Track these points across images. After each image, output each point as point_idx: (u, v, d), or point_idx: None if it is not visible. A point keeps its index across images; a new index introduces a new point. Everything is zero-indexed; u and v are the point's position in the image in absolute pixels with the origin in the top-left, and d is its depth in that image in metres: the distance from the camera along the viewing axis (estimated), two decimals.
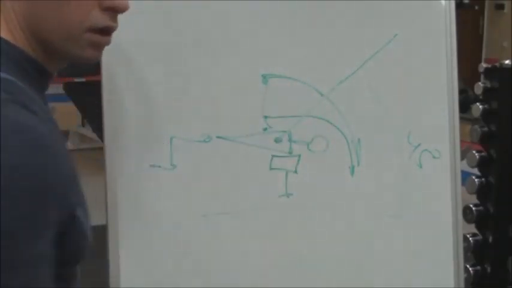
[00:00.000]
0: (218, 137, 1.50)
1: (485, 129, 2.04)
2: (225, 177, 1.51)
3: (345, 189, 1.61)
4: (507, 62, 2.01)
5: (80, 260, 0.93)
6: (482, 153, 2.04)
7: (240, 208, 1.52)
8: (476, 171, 2.06)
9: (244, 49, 1.52)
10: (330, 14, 1.59)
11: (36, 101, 0.88)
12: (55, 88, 4.83)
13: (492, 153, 2.03)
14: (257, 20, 1.53)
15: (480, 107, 2.03)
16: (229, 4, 1.50)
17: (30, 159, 0.79)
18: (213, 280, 1.51)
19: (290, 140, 1.56)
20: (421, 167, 1.66)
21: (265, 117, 1.53)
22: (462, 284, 1.71)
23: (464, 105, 2.08)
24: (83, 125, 6.11)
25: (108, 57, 1.38)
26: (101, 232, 1.40)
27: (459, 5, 1.84)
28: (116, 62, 1.41)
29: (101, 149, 1.43)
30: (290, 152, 1.56)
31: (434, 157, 1.67)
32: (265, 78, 1.53)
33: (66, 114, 5.56)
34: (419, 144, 1.66)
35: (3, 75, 0.84)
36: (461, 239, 1.71)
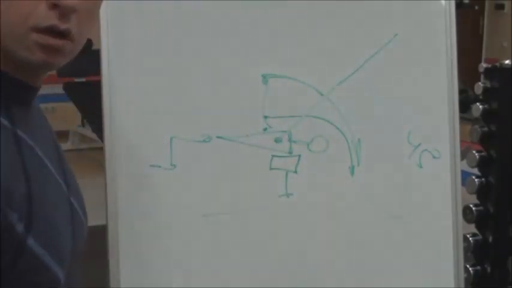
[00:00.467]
0: (218, 137, 1.50)
1: (485, 129, 2.04)
2: (225, 177, 1.51)
3: (345, 189, 1.61)
4: (507, 62, 2.01)
5: None
6: (482, 153, 2.04)
7: (240, 208, 1.52)
8: (476, 171, 2.06)
9: (244, 49, 1.52)
10: (330, 14, 1.59)
11: None
12: (55, 88, 4.83)
13: (492, 153, 2.03)
14: (257, 20, 1.53)
15: (480, 107, 2.03)
16: (230, 4, 1.50)
17: None
18: (213, 280, 1.51)
19: (290, 140, 1.56)
20: (421, 167, 1.66)
21: (265, 117, 1.53)
22: (462, 284, 1.71)
23: (464, 105, 2.08)
24: (83, 125, 6.10)
25: (108, 57, 1.38)
26: (101, 232, 1.41)
27: (459, 5, 1.84)
28: (116, 62, 1.41)
29: (101, 149, 1.43)
30: (290, 152, 1.56)
31: (434, 157, 1.67)
32: (265, 78, 1.53)
33: (66, 114, 5.56)
34: (419, 144, 1.66)
35: None
36: (461, 239, 1.71)
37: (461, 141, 1.71)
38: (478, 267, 2.01)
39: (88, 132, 5.77)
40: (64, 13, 0.83)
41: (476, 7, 6.32)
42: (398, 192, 1.66)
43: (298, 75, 1.55)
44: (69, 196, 0.95)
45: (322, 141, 1.58)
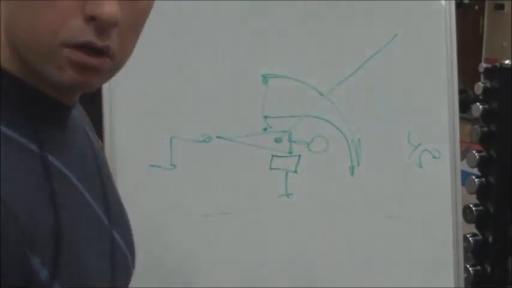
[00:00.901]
0: (218, 137, 1.50)
1: (485, 129, 2.04)
2: (225, 177, 1.51)
3: (345, 189, 1.61)
4: (507, 62, 2.01)
5: None
6: (482, 153, 2.05)
7: (240, 208, 1.52)
8: (476, 171, 2.07)
9: (244, 49, 1.52)
10: (330, 14, 1.59)
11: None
12: None
13: (492, 153, 2.03)
14: (257, 20, 1.53)
15: (480, 107, 2.03)
16: (230, 4, 1.50)
17: None
18: (214, 280, 1.51)
19: (290, 140, 1.56)
20: (421, 167, 1.66)
21: (265, 117, 1.53)
22: (462, 284, 1.71)
23: (464, 105, 2.08)
24: None
25: None
26: None
27: (459, 5, 1.84)
28: None
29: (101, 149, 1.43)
30: (290, 152, 1.56)
31: (434, 157, 1.67)
32: (265, 78, 1.53)
33: None
34: (419, 144, 1.66)
35: None
36: (461, 239, 1.71)
37: (461, 141, 1.71)
38: (478, 267, 2.02)
39: None
40: (103, 28, 0.68)
41: (476, 7, 6.31)
42: (398, 192, 1.66)
43: (298, 75, 1.55)
44: (110, 230, 0.82)
45: (322, 141, 1.58)
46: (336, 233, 1.60)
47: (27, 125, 0.71)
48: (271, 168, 1.54)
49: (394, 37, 1.63)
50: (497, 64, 2.03)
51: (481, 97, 2.05)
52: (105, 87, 1.42)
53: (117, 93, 1.43)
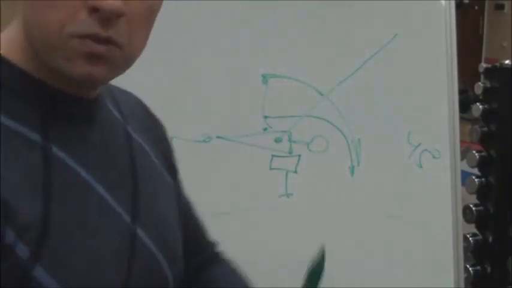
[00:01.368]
0: (218, 137, 1.49)
1: (485, 129, 2.04)
2: (225, 177, 1.51)
3: (345, 189, 1.61)
4: (507, 62, 2.01)
5: None
6: (482, 153, 2.05)
7: (240, 208, 1.52)
8: (476, 171, 2.06)
9: (244, 49, 1.52)
10: (330, 14, 1.59)
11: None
12: None
13: (492, 153, 2.03)
14: (257, 20, 1.53)
15: (480, 107, 2.03)
16: (230, 4, 1.50)
17: None
18: None
19: (290, 140, 1.56)
20: (421, 167, 1.66)
21: (265, 117, 1.53)
22: (462, 284, 1.71)
23: (464, 105, 2.08)
24: None
25: None
26: None
27: (459, 5, 1.84)
28: None
29: None
30: (290, 152, 1.56)
31: (434, 157, 1.67)
32: (265, 78, 1.53)
33: None
34: (419, 144, 1.66)
35: None
36: (461, 239, 1.71)
37: (461, 141, 1.71)
38: (478, 267, 2.01)
39: None
40: (106, 18, 0.70)
41: (476, 7, 6.31)
42: (398, 192, 1.66)
43: (298, 75, 1.55)
44: (133, 228, 0.81)
45: (322, 141, 1.58)
46: (336, 233, 1.60)
47: (37, 118, 0.73)
48: (271, 168, 1.54)
49: (394, 37, 1.63)
50: (497, 64, 2.03)
51: (481, 97, 2.05)
52: None
53: None
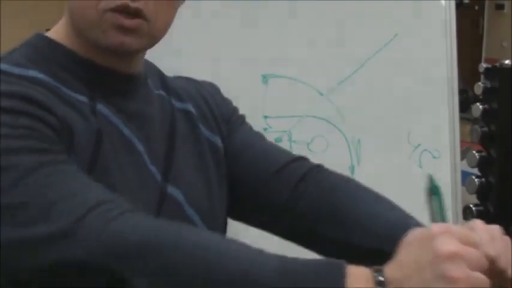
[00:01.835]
0: None
1: (485, 129, 2.03)
2: None
3: None
4: (507, 62, 2.01)
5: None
6: (482, 153, 2.04)
7: None
8: (476, 171, 2.06)
9: (244, 49, 1.52)
10: (330, 14, 1.59)
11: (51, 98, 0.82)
12: None
13: (492, 153, 2.03)
14: (257, 20, 1.53)
15: (480, 107, 2.03)
16: (230, 4, 1.50)
17: None
18: None
19: (290, 140, 1.56)
20: (421, 167, 1.66)
21: (265, 117, 1.53)
22: None
23: (464, 105, 2.08)
24: None
25: None
26: None
27: (459, 5, 1.84)
28: None
29: None
30: None
31: (434, 157, 1.67)
32: (265, 78, 1.53)
33: None
34: (419, 144, 1.66)
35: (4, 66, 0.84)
36: None
37: (461, 141, 1.71)
38: None
39: None
40: None
41: (476, 7, 6.31)
42: (398, 192, 1.66)
43: (298, 75, 1.55)
44: (163, 184, 0.92)
45: (322, 141, 1.58)
46: None
47: (84, 88, 0.86)
48: None
49: (394, 37, 1.63)
50: (497, 64, 2.03)
51: (481, 97, 2.05)
52: None
53: None
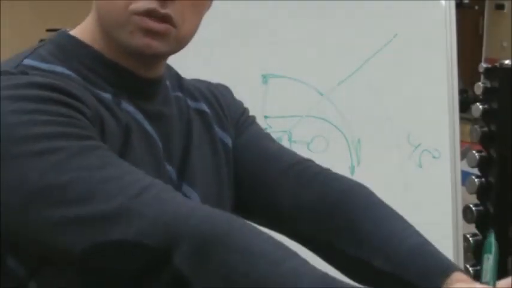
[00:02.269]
0: None
1: (485, 129, 2.03)
2: None
3: None
4: (507, 62, 2.01)
5: None
6: (482, 153, 2.04)
7: None
8: (476, 171, 2.06)
9: (244, 49, 1.52)
10: (330, 14, 1.59)
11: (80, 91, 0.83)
12: None
13: (492, 153, 2.03)
14: (257, 21, 1.53)
15: (480, 107, 2.03)
16: (229, 4, 1.50)
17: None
18: None
19: (290, 140, 1.56)
20: (421, 167, 1.66)
21: (265, 117, 1.53)
22: None
23: (464, 105, 2.08)
24: None
25: None
26: None
27: (459, 5, 1.84)
28: None
29: None
30: None
31: (434, 157, 1.67)
32: (265, 78, 1.53)
33: None
34: (419, 144, 1.66)
35: (32, 62, 0.84)
36: (461, 239, 1.71)
37: (461, 141, 1.71)
38: (478, 267, 2.01)
39: None
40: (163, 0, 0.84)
41: (476, 7, 6.31)
42: (398, 192, 1.66)
43: (298, 75, 1.55)
44: (179, 182, 0.93)
45: (322, 141, 1.58)
46: None
47: (106, 85, 0.87)
48: None
49: (394, 37, 1.63)
50: (497, 64, 2.03)
51: (481, 97, 2.05)
52: None
53: None
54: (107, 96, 0.87)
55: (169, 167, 0.92)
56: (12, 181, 0.73)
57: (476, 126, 2.05)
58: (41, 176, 0.73)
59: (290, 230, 1.00)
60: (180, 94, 1.00)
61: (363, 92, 1.61)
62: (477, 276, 2.13)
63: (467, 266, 1.99)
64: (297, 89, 1.56)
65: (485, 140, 2.04)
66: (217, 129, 1.01)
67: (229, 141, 1.02)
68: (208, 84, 1.09)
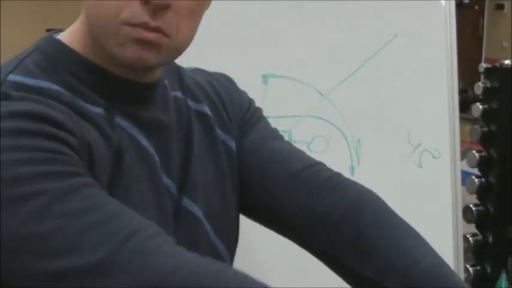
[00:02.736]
0: None
1: (485, 129, 2.04)
2: None
3: None
4: (507, 62, 2.01)
5: None
6: (482, 153, 2.04)
7: None
8: (476, 171, 2.06)
9: (244, 49, 1.52)
10: (329, 14, 1.59)
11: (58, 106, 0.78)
12: None
13: (492, 153, 2.03)
14: (257, 21, 1.53)
15: (480, 107, 2.03)
16: (229, 4, 1.50)
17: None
18: None
19: (290, 140, 1.56)
20: (421, 167, 1.66)
21: (265, 117, 1.53)
22: None
23: (464, 105, 2.08)
24: None
25: None
26: None
27: (459, 5, 1.85)
28: None
29: None
30: None
31: (434, 157, 1.67)
32: (265, 78, 1.53)
33: None
34: (419, 144, 1.66)
35: (15, 77, 0.80)
36: (461, 239, 1.71)
37: (461, 141, 1.71)
38: (478, 267, 2.01)
39: None
40: (156, 10, 0.79)
41: (476, 7, 6.31)
42: (398, 192, 1.66)
43: (298, 75, 1.55)
44: (179, 195, 0.90)
45: (322, 141, 1.58)
46: None
47: (98, 97, 0.83)
48: None
49: (394, 37, 1.63)
50: (497, 64, 2.03)
51: (481, 97, 2.05)
52: None
53: None
54: (99, 111, 0.83)
55: (168, 181, 0.89)
56: None
57: (476, 126, 2.05)
58: (22, 224, 0.69)
59: (298, 240, 0.99)
60: (180, 94, 0.97)
61: (363, 92, 1.61)
62: (477, 276, 2.15)
63: (467, 266, 1.99)
64: (297, 89, 1.56)
65: (485, 140, 2.04)
66: (219, 132, 0.98)
67: (232, 144, 0.99)
68: (208, 76, 1.06)
